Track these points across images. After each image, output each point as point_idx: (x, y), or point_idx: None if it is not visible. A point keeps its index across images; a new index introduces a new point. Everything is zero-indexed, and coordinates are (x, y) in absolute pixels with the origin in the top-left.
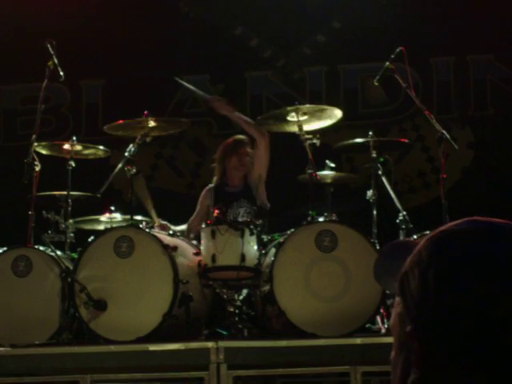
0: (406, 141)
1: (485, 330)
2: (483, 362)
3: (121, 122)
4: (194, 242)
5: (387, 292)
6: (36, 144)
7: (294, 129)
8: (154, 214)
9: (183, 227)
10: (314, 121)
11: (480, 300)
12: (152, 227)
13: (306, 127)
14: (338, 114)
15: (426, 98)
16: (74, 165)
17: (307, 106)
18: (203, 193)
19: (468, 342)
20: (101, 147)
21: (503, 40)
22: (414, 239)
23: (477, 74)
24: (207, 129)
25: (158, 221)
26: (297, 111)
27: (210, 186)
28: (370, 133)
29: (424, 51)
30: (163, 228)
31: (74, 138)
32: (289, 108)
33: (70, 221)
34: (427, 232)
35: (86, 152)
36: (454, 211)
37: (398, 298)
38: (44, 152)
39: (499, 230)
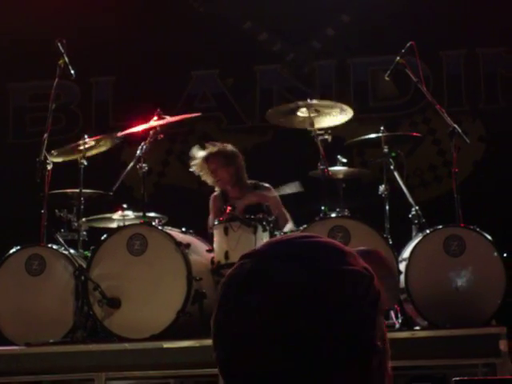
0: (418, 135)
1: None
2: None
3: (132, 125)
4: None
5: (401, 287)
6: (51, 152)
7: (305, 125)
8: None
9: None
10: (324, 117)
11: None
12: (164, 225)
13: (318, 124)
14: (348, 111)
15: (437, 92)
16: (85, 163)
17: (317, 102)
18: (211, 199)
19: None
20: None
21: None
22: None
23: (487, 67)
24: (216, 123)
25: None
26: (307, 106)
27: (216, 193)
28: (382, 128)
29: (434, 44)
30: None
31: (86, 136)
32: (300, 103)
33: (83, 219)
34: (440, 227)
35: (98, 149)
36: (466, 205)
37: None
38: (60, 160)
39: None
